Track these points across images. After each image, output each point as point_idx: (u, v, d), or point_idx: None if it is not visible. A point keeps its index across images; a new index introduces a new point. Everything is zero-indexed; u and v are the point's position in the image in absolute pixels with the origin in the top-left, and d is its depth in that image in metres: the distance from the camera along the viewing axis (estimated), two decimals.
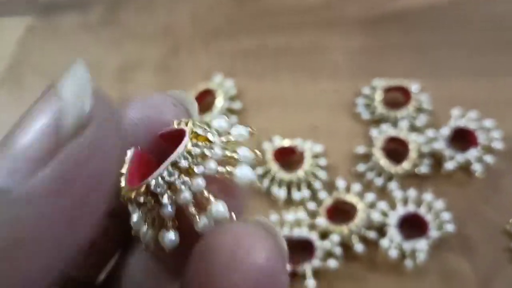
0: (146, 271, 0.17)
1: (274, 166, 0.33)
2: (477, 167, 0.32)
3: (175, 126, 0.14)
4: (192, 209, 0.13)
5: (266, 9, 0.43)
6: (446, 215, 0.30)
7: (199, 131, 0.13)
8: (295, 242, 0.31)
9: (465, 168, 0.33)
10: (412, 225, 0.31)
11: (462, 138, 0.33)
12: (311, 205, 0.32)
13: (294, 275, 0.30)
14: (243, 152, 0.13)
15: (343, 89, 0.37)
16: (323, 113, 0.36)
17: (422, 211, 0.30)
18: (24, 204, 0.11)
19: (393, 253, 0.29)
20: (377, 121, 0.35)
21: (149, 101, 0.15)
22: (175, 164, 0.13)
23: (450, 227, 0.30)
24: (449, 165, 0.32)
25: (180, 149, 0.13)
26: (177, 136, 0.13)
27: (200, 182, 0.13)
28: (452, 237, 0.31)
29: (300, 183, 0.33)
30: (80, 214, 0.11)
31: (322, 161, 0.34)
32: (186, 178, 0.13)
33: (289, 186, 0.33)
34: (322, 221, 0.30)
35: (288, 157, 0.35)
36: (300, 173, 0.32)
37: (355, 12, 0.41)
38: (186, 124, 0.13)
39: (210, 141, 0.13)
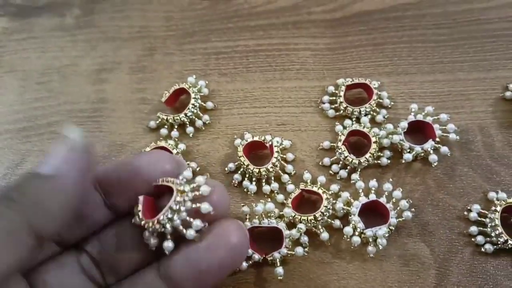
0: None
1: (245, 161, 0.35)
2: (434, 157, 0.34)
3: (164, 182, 0.25)
4: (181, 228, 0.24)
5: (237, 11, 0.45)
6: (404, 204, 0.32)
7: (180, 188, 0.24)
8: (265, 232, 0.33)
9: (422, 158, 0.35)
10: (374, 213, 0.33)
11: (420, 131, 0.36)
12: (280, 197, 0.34)
13: (264, 263, 0.32)
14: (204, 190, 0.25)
15: (310, 87, 0.39)
16: (291, 110, 0.38)
17: (383, 200, 0.32)
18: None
19: (356, 240, 0.31)
20: (342, 117, 0.37)
21: (155, 154, 0.26)
22: (171, 208, 0.24)
23: (408, 214, 0.32)
24: (408, 156, 0.34)
25: (173, 199, 0.24)
26: (165, 187, 0.25)
27: (184, 214, 0.24)
28: (412, 222, 0.33)
29: (269, 177, 0.35)
30: None
31: (290, 156, 0.36)
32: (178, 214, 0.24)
33: (259, 179, 0.35)
34: (289, 211, 0.32)
35: (258, 152, 0.36)
36: (269, 167, 0.34)
37: (320, 14, 0.43)
38: (172, 183, 0.25)
39: (185, 191, 0.24)
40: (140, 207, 0.25)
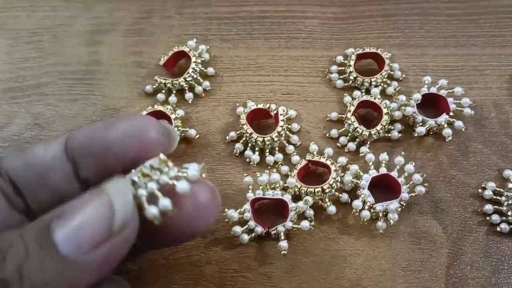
0: None
1: (248, 129, 0.32)
2: (448, 132, 0.32)
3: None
4: (144, 201, 0.19)
5: None
6: (417, 178, 0.30)
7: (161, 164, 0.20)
8: (268, 204, 0.31)
9: (435, 133, 0.33)
10: (384, 188, 0.31)
11: (433, 105, 0.34)
12: (284, 168, 0.32)
13: (267, 236, 0.30)
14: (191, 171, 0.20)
15: (317, 57, 0.37)
16: (297, 80, 0.36)
17: (394, 173, 0.30)
18: (80, 270, 0.17)
19: (366, 214, 0.30)
20: (350, 88, 0.36)
21: (137, 120, 0.21)
22: (141, 170, 0.19)
23: (421, 189, 0.30)
24: (421, 130, 0.32)
25: (149, 161, 0.19)
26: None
27: (154, 185, 0.19)
28: (423, 199, 0.31)
29: (273, 147, 0.33)
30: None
31: (295, 126, 0.34)
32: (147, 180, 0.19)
33: (262, 149, 0.33)
34: (293, 180, 0.30)
35: (261, 121, 0.34)
36: (274, 136, 0.32)
37: None
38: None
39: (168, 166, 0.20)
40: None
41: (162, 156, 0.20)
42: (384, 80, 0.35)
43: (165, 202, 0.18)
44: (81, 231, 0.17)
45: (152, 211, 0.18)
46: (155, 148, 0.20)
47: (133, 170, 0.19)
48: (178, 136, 0.22)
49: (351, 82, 0.35)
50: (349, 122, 0.33)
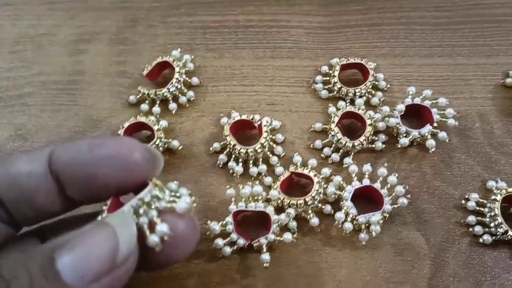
0: None
1: (232, 140, 0.32)
2: (431, 143, 0.32)
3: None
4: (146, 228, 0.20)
5: None
6: (400, 190, 0.30)
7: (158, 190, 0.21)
8: (251, 216, 0.31)
9: (419, 144, 0.33)
10: (367, 199, 0.31)
11: (417, 115, 0.34)
12: (268, 180, 0.32)
13: (250, 249, 0.29)
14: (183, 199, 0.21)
15: (302, 67, 0.37)
16: (282, 90, 0.36)
17: (377, 185, 0.30)
18: None
19: (348, 226, 0.29)
20: (335, 99, 0.35)
21: (121, 144, 0.21)
22: (142, 199, 0.20)
23: (403, 201, 0.30)
24: (404, 141, 0.32)
25: (146, 190, 0.20)
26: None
27: (154, 212, 0.20)
28: (406, 210, 0.31)
29: (257, 158, 0.32)
30: None
31: (279, 137, 0.34)
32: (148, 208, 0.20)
33: (246, 160, 0.33)
34: (275, 193, 0.30)
35: (245, 132, 0.34)
36: (257, 147, 0.32)
37: None
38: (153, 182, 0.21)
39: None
40: (107, 206, 0.21)
41: (157, 182, 0.21)
42: (368, 90, 0.35)
43: (163, 228, 0.20)
44: (85, 262, 0.17)
45: (154, 239, 0.19)
46: (140, 171, 0.21)
47: (133, 200, 0.20)
48: (162, 159, 0.22)
49: (335, 92, 0.35)
50: (333, 133, 0.33)
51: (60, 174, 0.20)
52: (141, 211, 0.20)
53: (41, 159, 0.20)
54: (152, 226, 0.20)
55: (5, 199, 0.20)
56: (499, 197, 0.30)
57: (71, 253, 0.17)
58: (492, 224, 0.30)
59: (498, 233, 0.29)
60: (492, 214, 0.30)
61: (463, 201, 0.31)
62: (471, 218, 0.30)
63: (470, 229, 0.30)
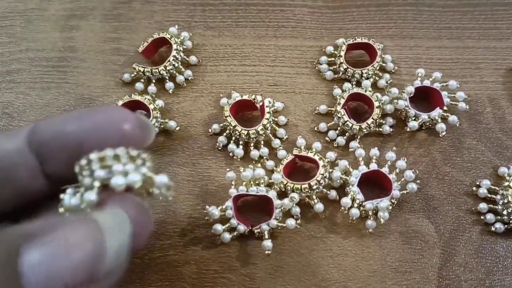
0: None
1: (232, 121, 0.30)
2: (442, 126, 0.31)
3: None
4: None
5: None
6: (409, 175, 0.29)
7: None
8: (252, 201, 0.29)
9: (428, 128, 0.32)
10: (375, 185, 0.29)
11: (426, 98, 0.32)
12: (270, 163, 0.30)
13: (251, 235, 0.28)
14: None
15: (306, 47, 0.36)
16: (284, 70, 0.34)
17: (385, 170, 0.29)
18: None
19: (355, 213, 0.28)
20: (340, 80, 0.34)
21: (111, 112, 0.19)
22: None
23: (413, 187, 0.28)
24: (413, 124, 0.31)
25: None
26: None
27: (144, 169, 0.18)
28: (415, 197, 0.29)
29: (258, 141, 0.31)
30: None
31: (282, 119, 0.32)
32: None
33: (247, 143, 0.31)
34: (278, 176, 0.28)
35: (246, 113, 0.32)
36: (259, 129, 0.30)
37: None
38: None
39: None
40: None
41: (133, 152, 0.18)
42: (375, 72, 0.33)
43: (162, 179, 0.17)
44: (55, 263, 0.14)
45: (163, 180, 0.17)
46: (130, 141, 0.18)
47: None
48: (154, 129, 0.19)
49: (341, 73, 0.34)
50: (339, 115, 0.31)
51: (43, 147, 0.18)
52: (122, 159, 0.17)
53: (20, 135, 0.19)
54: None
55: None
56: None
57: (43, 248, 0.14)
58: (504, 212, 0.28)
59: (510, 222, 0.28)
60: (505, 201, 0.28)
61: (474, 188, 0.30)
62: (483, 206, 0.29)
63: (482, 217, 0.29)
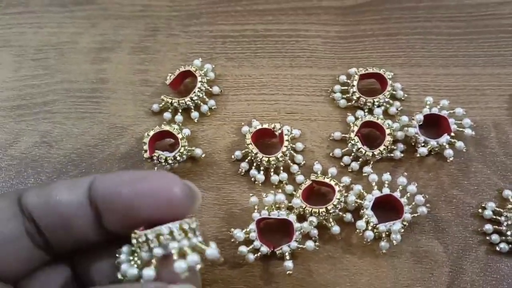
0: None
1: (253, 149, 0.33)
2: (449, 152, 0.33)
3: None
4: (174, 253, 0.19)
5: None
6: (419, 199, 0.31)
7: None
8: (273, 224, 0.31)
9: (436, 153, 0.34)
10: (387, 208, 0.31)
11: (434, 125, 0.35)
12: (289, 188, 0.33)
13: (272, 256, 0.30)
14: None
15: (320, 76, 0.38)
16: (300, 99, 0.37)
17: (397, 194, 0.31)
18: None
19: (369, 235, 0.30)
20: (353, 108, 0.36)
21: (162, 179, 0.20)
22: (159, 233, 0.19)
23: (423, 210, 0.31)
24: (423, 150, 0.33)
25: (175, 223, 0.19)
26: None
27: (185, 242, 0.19)
28: (425, 219, 0.32)
29: (278, 166, 0.33)
30: None
31: (299, 145, 0.34)
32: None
33: (267, 168, 0.33)
34: (298, 201, 0.31)
35: (266, 140, 0.35)
36: (279, 156, 0.33)
37: (331, 1, 0.42)
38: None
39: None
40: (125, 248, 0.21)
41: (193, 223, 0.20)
42: (386, 100, 0.36)
43: (194, 258, 0.19)
44: None
45: (181, 265, 0.18)
46: (179, 207, 0.20)
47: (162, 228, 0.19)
48: (200, 195, 0.22)
49: (354, 102, 0.36)
50: (353, 142, 0.33)
51: (99, 204, 0.20)
52: (176, 234, 0.19)
53: (81, 188, 0.20)
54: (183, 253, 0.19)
55: (43, 226, 0.20)
56: None
57: None
58: (508, 233, 0.30)
59: None
60: (509, 222, 0.31)
61: (480, 210, 0.32)
62: (488, 227, 0.31)
63: (487, 237, 0.31)
